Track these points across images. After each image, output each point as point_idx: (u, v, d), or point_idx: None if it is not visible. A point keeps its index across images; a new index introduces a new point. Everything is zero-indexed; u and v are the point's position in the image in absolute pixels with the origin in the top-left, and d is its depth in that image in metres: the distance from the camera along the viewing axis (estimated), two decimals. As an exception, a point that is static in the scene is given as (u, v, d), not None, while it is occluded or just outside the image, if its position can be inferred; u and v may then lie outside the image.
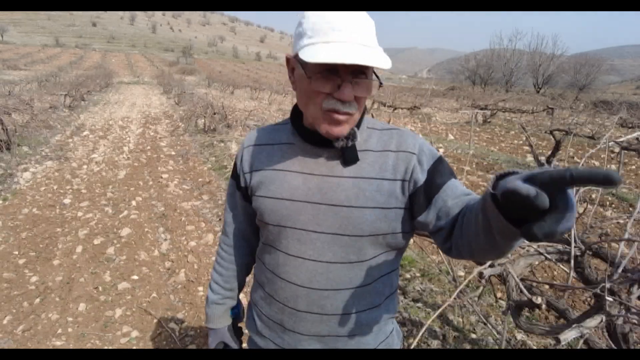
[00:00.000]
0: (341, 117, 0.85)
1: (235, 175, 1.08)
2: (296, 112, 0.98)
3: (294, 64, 0.89)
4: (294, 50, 0.87)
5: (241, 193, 1.07)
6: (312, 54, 0.77)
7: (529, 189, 0.51)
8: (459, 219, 0.83)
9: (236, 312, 1.23)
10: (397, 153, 0.92)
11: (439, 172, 0.90)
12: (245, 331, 1.19)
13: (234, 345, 1.19)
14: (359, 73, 0.82)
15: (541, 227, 0.53)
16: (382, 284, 0.99)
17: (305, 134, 0.95)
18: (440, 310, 1.11)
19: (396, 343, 1.10)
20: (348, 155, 0.91)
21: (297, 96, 0.92)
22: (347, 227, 0.90)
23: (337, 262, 0.92)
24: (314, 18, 0.81)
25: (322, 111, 0.85)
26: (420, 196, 0.90)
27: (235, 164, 1.08)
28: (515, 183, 0.52)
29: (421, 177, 0.90)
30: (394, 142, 0.94)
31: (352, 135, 0.90)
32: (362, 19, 0.81)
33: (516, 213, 0.57)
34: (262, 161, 1.00)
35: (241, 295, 1.28)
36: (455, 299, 2.92)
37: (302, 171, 0.95)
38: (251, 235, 1.14)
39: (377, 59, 0.76)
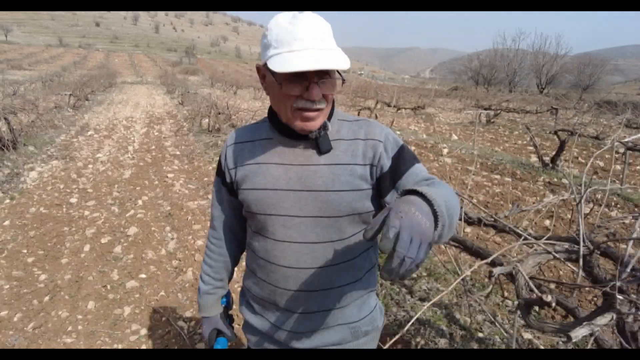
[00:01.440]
0: (312, 114, 0.95)
1: (220, 173, 1.17)
2: (273, 111, 1.07)
3: (264, 71, 0.98)
4: (262, 59, 0.96)
5: (227, 188, 1.15)
6: (280, 64, 0.86)
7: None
8: None
9: (226, 300, 1.33)
10: (365, 141, 1.03)
11: (402, 158, 1.02)
12: (237, 316, 1.25)
13: (226, 330, 1.27)
14: (323, 74, 0.92)
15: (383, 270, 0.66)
16: (362, 259, 1.10)
17: (282, 129, 1.04)
18: (436, 299, 1.13)
19: (379, 318, 1.20)
20: (322, 145, 1.01)
21: (270, 99, 1.03)
22: (327, 209, 1.00)
23: (320, 242, 1.02)
24: (276, 30, 0.90)
25: (293, 111, 0.95)
26: (386, 180, 1.01)
27: (219, 162, 1.17)
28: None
29: (387, 163, 1.01)
30: (363, 131, 1.05)
31: (323, 127, 1.00)
32: (319, 25, 0.90)
33: None
34: (245, 157, 1.09)
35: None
36: (460, 297, 2.94)
37: (282, 162, 1.04)
38: (238, 228, 1.23)
39: (338, 62, 0.86)
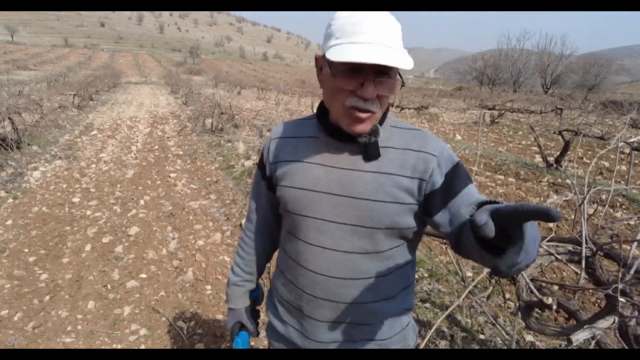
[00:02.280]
0: (362, 115, 0.88)
1: (261, 166, 1.13)
2: (323, 109, 1.01)
3: (322, 62, 0.93)
4: (322, 50, 0.91)
5: (266, 182, 1.11)
6: (338, 54, 0.81)
7: (482, 219, 0.60)
8: (464, 229, 0.86)
9: (256, 294, 1.28)
10: (417, 153, 0.95)
11: (456, 177, 0.94)
12: (263, 316, 1.22)
13: (249, 325, 1.24)
14: (381, 73, 0.84)
15: (505, 262, 0.61)
16: (397, 276, 1.02)
17: (329, 129, 0.98)
18: (449, 310, 1.11)
19: (411, 337, 1.12)
20: (370, 151, 0.94)
21: (323, 93, 0.97)
22: (366, 219, 0.93)
23: (354, 252, 0.96)
24: (342, 20, 0.85)
25: (344, 108, 0.88)
26: (436, 199, 0.93)
27: (262, 155, 1.13)
28: (476, 214, 0.62)
29: (439, 180, 0.93)
30: (416, 142, 0.97)
31: (374, 132, 0.93)
32: (388, 21, 0.84)
33: (484, 240, 0.66)
34: (288, 153, 1.04)
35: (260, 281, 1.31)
36: (464, 299, 2.91)
37: (325, 164, 0.98)
38: (273, 223, 1.18)
39: (398, 60, 0.79)
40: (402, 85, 0.91)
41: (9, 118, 7.08)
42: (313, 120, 1.05)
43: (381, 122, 0.97)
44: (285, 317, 1.11)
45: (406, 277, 1.05)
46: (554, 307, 1.35)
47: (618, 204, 5.55)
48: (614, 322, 1.29)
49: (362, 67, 0.83)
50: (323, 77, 0.94)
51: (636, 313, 1.31)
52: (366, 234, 0.95)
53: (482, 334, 2.67)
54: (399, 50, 0.83)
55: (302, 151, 1.02)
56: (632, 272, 1.50)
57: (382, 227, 0.94)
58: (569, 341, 1.24)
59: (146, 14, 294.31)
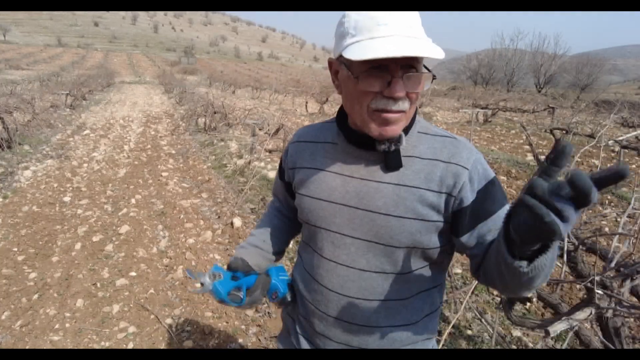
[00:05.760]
0: (393, 116, 0.80)
1: (280, 168, 1.11)
2: (342, 113, 0.95)
3: (337, 66, 0.86)
4: (336, 52, 0.84)
5: (285, 185, 1.10)
6: (359, 52, 0.73)
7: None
8: (488, 253, 0.82)
9: (274, 283, 1.05)
10: (447, 164, 0.86)
11: (490, 196, 0.85)
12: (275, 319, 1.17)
13: (224, 270, 1.03)
14: (408, 67, 0.77)
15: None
16: (421, 300, 0.94)
17: (349, 135, 0.91)
18: (452, 322, 1.11)
19: None
20: (390, 160, 0.87)
21: (342, 99, 0.89)
22: (383, 235, 0.87)
23: (370, 270, 0.89)
24: (356, 16, 0.78)
25: (370, 112, 0.81)
26: (464, 217, 0.85)
27: (282, 157, 1.10)
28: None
29: (469, 197, 0.84)
30: (446, 152, 0.87)
31: (396, 139, 0.85)
32: (406, 12, 0.78)
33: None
34: (305, 159, 0.99)
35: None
36: (450, 294, 2.93)
37: (342, 173, 0.92)
38: (288, 213, 1.19)
39: (429, 49, 0.72)
40: (434, 78, 0.81)
41: (0, 117, 7.03)
42: (333, 125, 0.98)
43: (407, 128, 0.89)
44: (298, 330, 1.06)
45: (431, 302, 0.97)
46: (534, 299, 1.37)
47: (607, 201, 5.61)
48: (590, 313, 1.31)
49: (387, 64, 0.76)
50: (340, 82, 0.86)
51: (613, 304, 1.34)
52: (384, 252, 0.88)
53: (470, 329, 2.69)
54: (425, 40, 0.76)
55: (320, 158, 0.96)
56: (612, 265, 1.52)
57: (401, 245, 0.86)
58: (547, 332, 1.26)
59: (140, 13, 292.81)
